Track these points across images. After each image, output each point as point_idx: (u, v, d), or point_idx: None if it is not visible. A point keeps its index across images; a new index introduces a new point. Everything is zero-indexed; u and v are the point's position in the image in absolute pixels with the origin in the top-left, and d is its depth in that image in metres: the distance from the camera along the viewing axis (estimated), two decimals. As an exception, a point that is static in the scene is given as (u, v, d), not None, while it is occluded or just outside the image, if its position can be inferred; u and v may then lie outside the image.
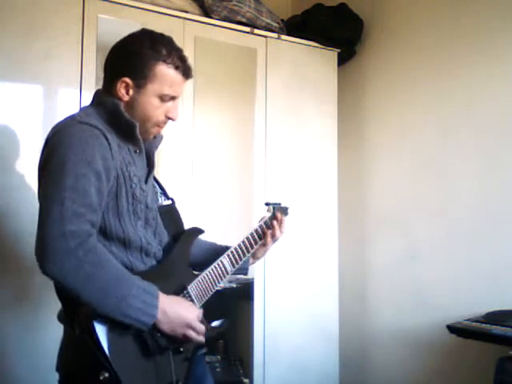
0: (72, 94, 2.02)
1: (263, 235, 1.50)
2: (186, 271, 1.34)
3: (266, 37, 2.51)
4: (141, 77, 1.23)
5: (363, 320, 2.71)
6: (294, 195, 2.54)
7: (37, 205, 1.14)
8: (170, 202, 1.43)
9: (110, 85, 1.26)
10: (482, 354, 1.98)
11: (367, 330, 2.69)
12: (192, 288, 1.31)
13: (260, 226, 1.51)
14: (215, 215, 2.50)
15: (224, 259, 1.40)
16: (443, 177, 2.33)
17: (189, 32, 2.29)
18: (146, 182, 1.30)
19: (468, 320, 1.88)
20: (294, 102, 2.58)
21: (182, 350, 1.23)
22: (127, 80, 1.23)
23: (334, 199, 2.68)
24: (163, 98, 1.26)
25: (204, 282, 1.35)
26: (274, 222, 1.51)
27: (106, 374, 1.08)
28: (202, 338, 1.24)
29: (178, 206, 1.46)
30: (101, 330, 1.10)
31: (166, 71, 1.25)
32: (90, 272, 1.07)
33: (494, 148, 2.13)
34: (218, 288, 1.40)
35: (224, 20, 2.39)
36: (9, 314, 1.85)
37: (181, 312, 1.20)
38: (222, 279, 1.40)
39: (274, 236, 1.51)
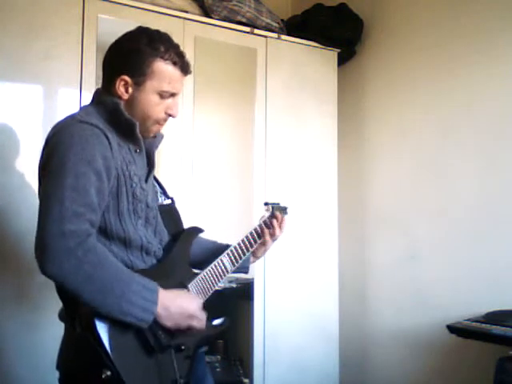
0: (72, 93, 2.02)
1: (262, 234, 1.51)
2: (186, 270, 1.34)
3: (266, 37, 2.51)
4: (139, 74, 1.23)
5: (363, 320, 2.71)
6: (294, 195, 2.54)
7: (37, 204, 1.14)
8: (169, 201, 1.44)
9: (109, 84, 1.26)
10: (482, 354, 1.98)
11: (367, 330, 2.69)
12: (192, 287, 1.31)
13: (259, 225, 1.51)
14: (215, 215, 2.50)
15: (224, 258, 1.41)
16: (443, 177, 2.33)
17: (189, 32, 2.29)
18: (146, 181, 1.30)
19: (468, 320, 1.88)
20: (294, 102, 2.58)
21: (183, 348, 1.23)
22: (126, 78, 1.24)
23: (334, 199, 2.68)
24: (163, 95, 1.26)
25: (204, 281, 1.35)
26: (273, 222, 1.52)
27: (109, 373, 1.08)
28: (203, 324, 1.24)
29: (177, 205, 1.47)
30: (102, 328, 1.09)
31: (164, 67, 1.25)
32: (89, 272, 1.07)
33: (494, 148, 2.13)
34: (217, 288, 1.41)
35: (224, 20, 2.40)
36: (9, 313, 1.85)
37: (182, 305, 1.20)
38: (221, 278, 1.40)
39: (273, 235, 1.52)
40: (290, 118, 2.57)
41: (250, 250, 1.49)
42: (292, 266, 2.52)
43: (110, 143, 1.18)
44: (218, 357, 2.57)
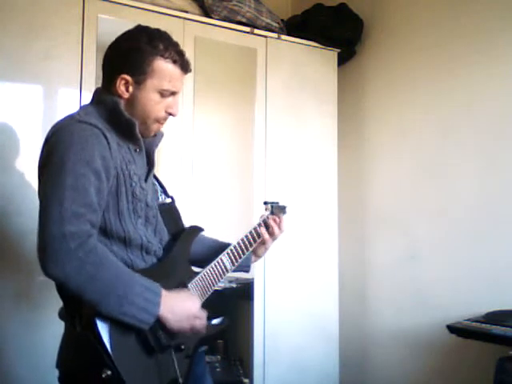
0: (72, 93, 2.02)
1: (262, 233, 1.50)
2: (186, 269, 1.34)
3: (266, 37, 2.52)
4: (140, 73, 1.23)
5: (363, 320, 2.71)
6: (294, 195, 2.54)
7: (37, 204, 1.14)
8: (169, 200, 1.43)
9: (109, 83, 1.26)
10: (482, 354, 1.98)
11: (367, 330, 2.69)
12: (192, 286, 1.31)
13: (259, 225, 1.51)
14: (215, 215, 2.50)
15: (224, 257, 1.41)
16: (443, 177, 2.33)
17: (189, 32, 2.29)
18: (145, 180, 1.30)
19: (468, 320, 1.88)
20: (294, 102, 2.59)
21: (183, 347, 1.23)
22: (126, 77, 1.24)
23: (334, 199, 2.68)
24: (163, 94, 1.26)
25: (204, 280, 1.35)
26: (272, 221, 1.52)
27: (109, 372, 1.07)
28: (204, 323, 1.25)
29: (178, 205, 1.46)
30: (103, 327, 1.09)
31: (164, 66, 1.25)
32: (92, 273, 1.07)
33: (494, 148, 2.13)
34: (217, 287, 1.41)
35: (224, 20, 2.40)
36: (8, 312, 1.85)
37: (184, 306, 1.21)
38: (222, 277, 1.40)
39: (272, 234, 1.52)
40: (289, 118, 2.57)
41: (250, 249, 1.48)
42: (292, 265, 2.52)
43: (108, 143, 1.17)
44: (218, 357, 2.57)
